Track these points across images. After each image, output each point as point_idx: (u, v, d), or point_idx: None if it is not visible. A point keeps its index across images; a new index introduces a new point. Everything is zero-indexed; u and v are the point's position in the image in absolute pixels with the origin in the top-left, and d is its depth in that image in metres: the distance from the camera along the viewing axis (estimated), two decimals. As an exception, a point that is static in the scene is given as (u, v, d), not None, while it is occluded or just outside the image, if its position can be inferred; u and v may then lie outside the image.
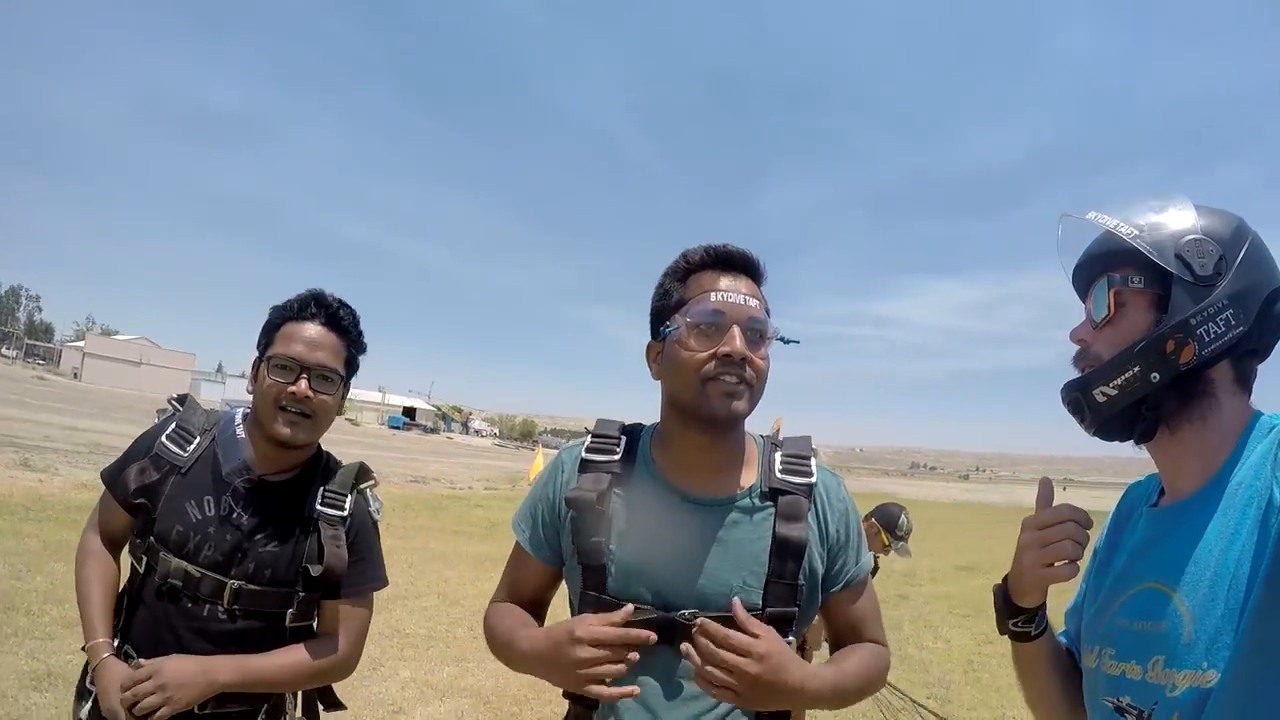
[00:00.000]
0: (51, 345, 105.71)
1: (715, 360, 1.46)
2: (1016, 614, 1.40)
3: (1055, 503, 1.35)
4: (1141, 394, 1.22)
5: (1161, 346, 1.19)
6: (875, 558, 4.82)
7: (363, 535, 2.04)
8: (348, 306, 2.05)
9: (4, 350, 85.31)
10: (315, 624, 2.01)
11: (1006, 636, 1.45)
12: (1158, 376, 1.20)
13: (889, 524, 4.83)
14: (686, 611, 1.44)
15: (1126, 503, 1.44)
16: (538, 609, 1.70)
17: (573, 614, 1.52)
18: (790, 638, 1.50)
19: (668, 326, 1.52)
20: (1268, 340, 1.23)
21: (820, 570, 1.56)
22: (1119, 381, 1.23)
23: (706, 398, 1.46)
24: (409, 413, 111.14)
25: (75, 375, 73.82)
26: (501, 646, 1.61)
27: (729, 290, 1.51)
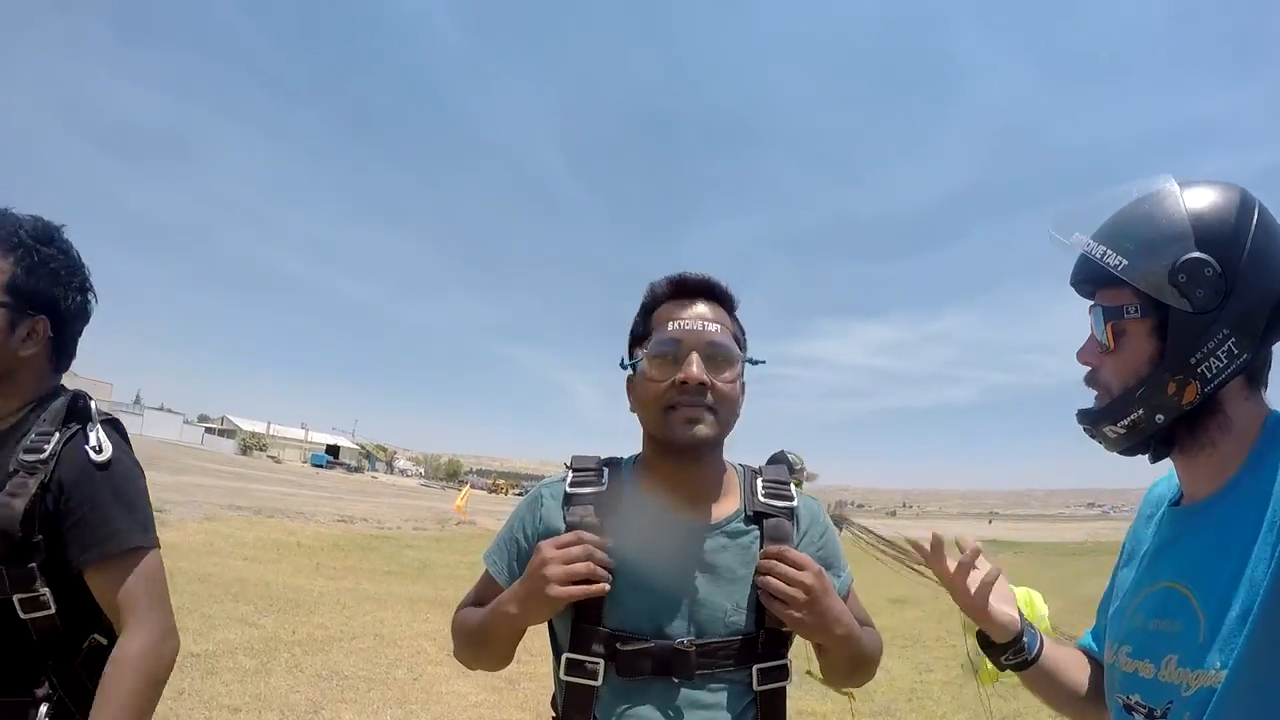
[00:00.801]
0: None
1: (673, 388, 1.46)
2: (1000, 650, 1.46)
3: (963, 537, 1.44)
4: (1149, 433, 1.22)
5: (1163, 389, 1.17)
6: None
7: (78, 485, 1.60)
8: (10, 215, 1.69)
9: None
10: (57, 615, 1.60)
11: (1011, 671, 1.50)
12: (1162, 418, 1.19)
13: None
14: (684, 639, 1.43)
15: (1152, 498, 1.43)
16: None
17: (561, 651, 1.49)
18: (785, 658, 1.52)
19: (633, 360, 1.54)
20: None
21: None
22: (1125, 423, 1.22)
23: (669, 425, 1.47)
24: (333, 451, 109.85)
25: (-16, 403, 71.40)
26: (476, 629, 1.57)
27: (686, 318, 1.51)
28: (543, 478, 1.73)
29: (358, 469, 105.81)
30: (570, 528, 1.49)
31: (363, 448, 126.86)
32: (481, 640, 1.57)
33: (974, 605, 1.44)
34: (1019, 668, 1.46)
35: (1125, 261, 1.17)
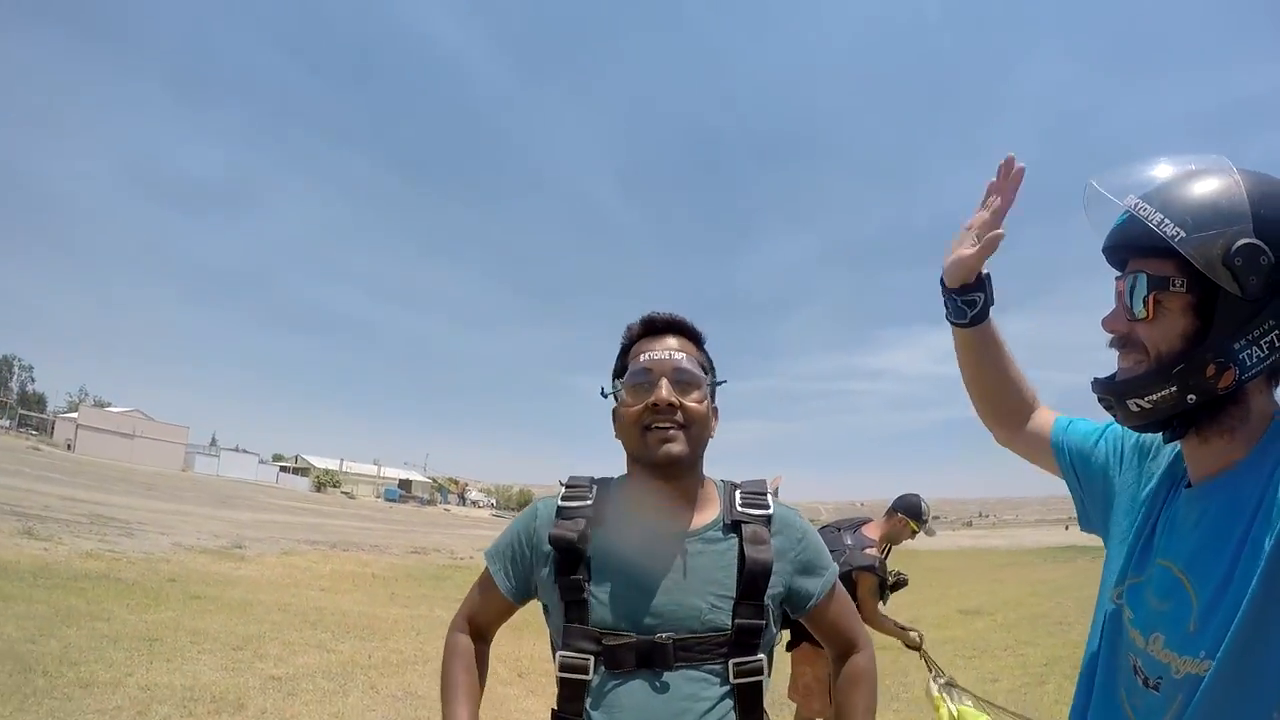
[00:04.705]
0: (44, 416, 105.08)
1: (647, 409, 1.63)
2: (951, 297, 1.58)
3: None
4: (1176, 412, 1.19)
5: (1201, 370, 1.14)
6: (892, 575, 5.17)
7: None
8: None
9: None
10: None
11: (954, 329, 1.63)
12: (1194, 399, 1.16)
13: (913, 512, 5.32)
14: (663, 634, 1.56)
15: (1150, 435, 1.42)
16: (485, 636, 1.86)
17: (556, 647, 1.64)
18: (760, 655, 1.62)
19: (613, 389, 1.73)
20: None
21: (783, 591, 1.70)
22: (1154, 398, 1.19)
23: (646, 445, 1.63)
24: (405, 485, 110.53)
25: (69, 446, 73.32)
26: (442, 692, 1.76)
27: (655, 350, 1.69)
28: None
29: (430, 502, 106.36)
30: (554, 540, 1.65)
31: (434, 481, 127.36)
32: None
33: (972, 256, 1.51)
34: (967, 323, 1.58)
35: (1182, 233, 1.12)
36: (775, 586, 1.66)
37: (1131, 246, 1.24)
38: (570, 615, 1.60)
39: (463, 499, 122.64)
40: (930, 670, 4.93)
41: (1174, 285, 1.17)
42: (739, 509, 1.71)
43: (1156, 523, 1.32)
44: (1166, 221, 1.13)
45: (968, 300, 1.57)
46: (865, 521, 5.42)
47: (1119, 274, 1.28)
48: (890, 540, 5.31)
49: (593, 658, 1.57)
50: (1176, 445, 1.35)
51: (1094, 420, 1.57)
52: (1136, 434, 1.45)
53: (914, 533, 5.31)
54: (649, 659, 1.56)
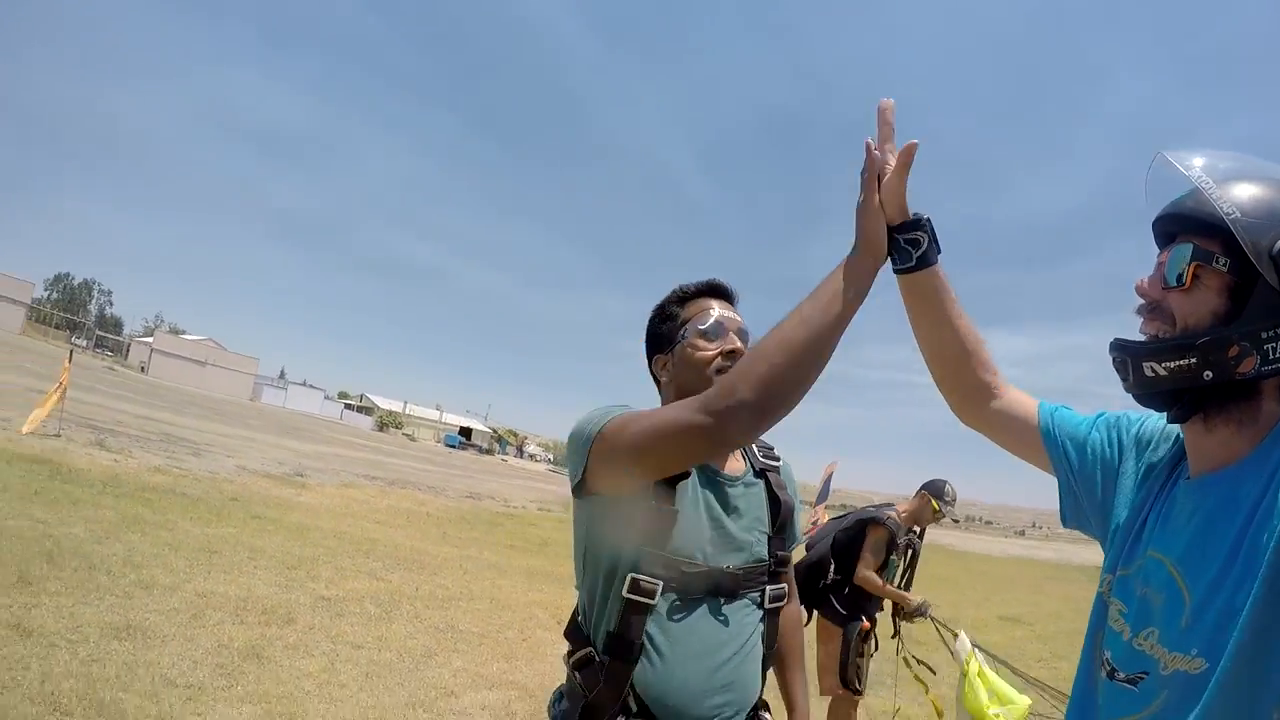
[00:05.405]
0: (120, 339, 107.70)
1: (722, 355, 1.81)
2: (891, 238, 1.48)
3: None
4: (1188, 385, 1.19)
5: (1224, 348, 1.14)
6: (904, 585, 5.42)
7: None
8: None
9: (74, 339, 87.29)
10: None
11: (899, 278, 1.57)
12: (1210, 375, 1.15)
13: (937, 493, 5.45)
14: (728, 564, 1.75)
15: (1149, 427, 1.44)
16: None
17: (623, 569, 1.66)
18: (784, 582, 1.90)
19: (682, 334, 1.87)
20: None
21: (790, 528, 1.94)
22: (1171, 366, 1.18)
23: None
24: (465, 433, 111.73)
25: (143, 369, 75.14)
26: (819, 317, 1.38)
27: (723, 308, 1.90)
28: None
29: (488, 451, 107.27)
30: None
31: (494, 431, 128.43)
32: (833, 323, 1.39)
33: (890, 179, 1.44)
34: (914, 264, 1.50)
35: (1238, 214, 1.12)
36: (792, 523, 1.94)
37: (1184, 218, 1.23)
38: (651, 540, 1.68)
39: (521, 451, 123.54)
40: (945, 635, 5.03)
41: (1217, 263, 1.16)
42: (761, 459, 1.97)
43: (1149, 514, 1.32)
44: (1226, 200, 1.14)
45: (910, 239, 1.49)
46: (893, 505, 5.61)
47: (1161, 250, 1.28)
48: (915, 519, 5.47)
49: (661, 583, 1.66)
50: (1175, 438, 1.36)
51: (1076, 410, 1.58)
52: (1135, 425, 1.46)
53: (936, 513, 5.42)
54: (716, 587, 1.72)
